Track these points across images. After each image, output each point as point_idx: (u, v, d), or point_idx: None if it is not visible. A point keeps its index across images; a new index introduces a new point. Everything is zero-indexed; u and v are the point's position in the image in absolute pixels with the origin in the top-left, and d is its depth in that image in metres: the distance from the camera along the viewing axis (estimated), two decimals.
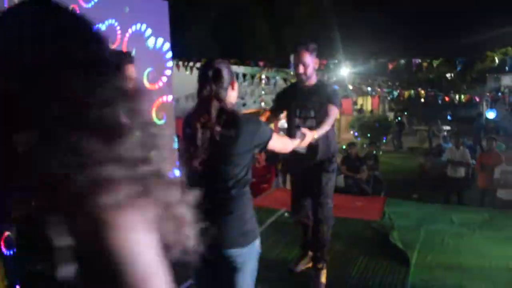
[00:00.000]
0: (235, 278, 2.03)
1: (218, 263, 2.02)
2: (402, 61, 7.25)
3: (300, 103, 3.24)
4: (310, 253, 3.59)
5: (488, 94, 14.82)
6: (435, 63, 7.33)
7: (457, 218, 5.00)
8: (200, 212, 1.32)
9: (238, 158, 2.04)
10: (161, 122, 4.26)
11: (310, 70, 3.12)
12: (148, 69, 4.00)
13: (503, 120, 18.78)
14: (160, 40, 3.97)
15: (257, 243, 2.10)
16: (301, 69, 3.11)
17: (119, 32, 3.93)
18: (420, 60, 7.15)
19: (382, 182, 9.19)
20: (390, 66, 7.30)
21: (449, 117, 19.36)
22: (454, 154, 8.21)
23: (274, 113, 3.51)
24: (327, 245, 3.35)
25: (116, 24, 3.96)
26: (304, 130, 2.72)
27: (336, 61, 8.01)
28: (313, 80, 3.21)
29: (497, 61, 7.46)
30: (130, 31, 4.01)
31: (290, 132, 3.31)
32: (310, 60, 3.10)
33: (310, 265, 3.55)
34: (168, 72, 3.92)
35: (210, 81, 2.03)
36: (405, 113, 20.28)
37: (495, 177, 6.92)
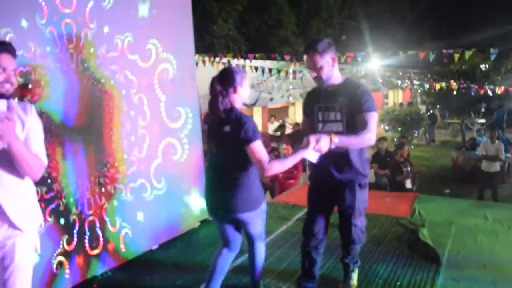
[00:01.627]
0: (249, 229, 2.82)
1: (235, 222, 2.80)
2: (433, 53, 7.02)
3: (322, 105, 2.89)
4: None
5: None
6: (468, 54, 7.07)
7: (491, 215, 4.81)
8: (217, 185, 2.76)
9: (235, 149, 2.57)
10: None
11: (325, 72, 2.79)
12: None
13: None
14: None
15: (262, 206, 2.76)
16: (314, 73, 2.85)
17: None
18: (452, 51, 6.92)
19: (415, 176, 8.97)
20: (421, 55, 7.08)
21: (483, 110, 18.73)
22: (489, 148, 7.95)
23: (306, 120, 3.14)
24: (355, 257, 3.17)
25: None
26: (311, 137, 2.55)
27: (364, 53, 7.82)
28: (337, 80, 2.88)
29: None
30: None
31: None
32: (323, 62, 2.76)
33: None
34: None
35: (217, 82, 2.63)
36: (437, 106, 19.75)
37: None
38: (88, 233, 3.58)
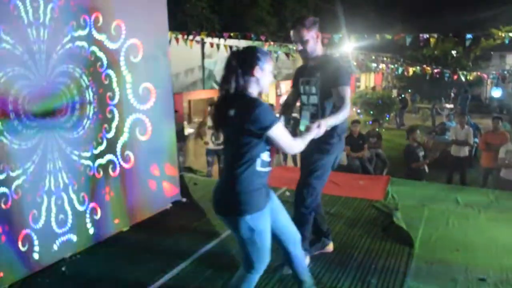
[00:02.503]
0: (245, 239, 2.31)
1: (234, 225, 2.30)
2: (409, 37, 7.01)
3: (304, 79, 3.19)
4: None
5: (494, 72, 14.56)
6: (444, 39, 7.09)
7: (462, 199, 4.88)
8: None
9: (239, 137, 2.21)
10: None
11: (310, 46, 3.03)
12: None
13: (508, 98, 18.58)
14: None
15: (266, 209, 2.31)
16: (299, 46, 3.05)
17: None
18: (428, 36, 6.92)
19: (385, 161, 9.07)
20: (396, 38, 7.06)
21: (453, 95, 19.12)
22: (459, 133, 8.07)
23: (293, 92, 3.43)
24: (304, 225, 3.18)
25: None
26: (314, 125, 2.57)
27: (341, 35, 7.75)
28: (318, 55, 3.10)
29: (507, 40, 7.21)
30: None
31: (300, 111, 3.27)
32: (308, 36, 2.99)
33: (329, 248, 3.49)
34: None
35: (233, 59, 2.25)
36: (409, 90, 20.02)
37: (500, 157, 6.78)
38: (55, 211, 3.44)
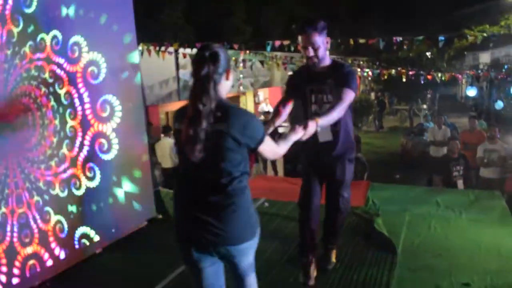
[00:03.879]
0: (236, 266, 2.07)
1: (227, 256, 2.02)
2: (383, 41, 7.01)
3: (315, 87, 2.96)
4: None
5: (468, 72, 14.79)
6: (418, 41, 7.11)
7: (442, 201, 4.84)
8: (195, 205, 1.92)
9: (231, 153, 1.90)
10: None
11: (321, 52, 2.82)
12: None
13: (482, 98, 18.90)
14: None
15: (256, 237, 2.06)
16: (311, 52, 2.80)
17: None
18: (401, 38, 6.93)
19: (366, 165, 9.02)
20: (370, 42, 7.06)
21: (429, 96, 19.38)
22: (437, 134, 8.10)
23: (286, 101, 3.07)
24: (340, 231, 3.36)
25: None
26: (298, 127, 2.44)
27: None
28: (327, 61, 2.92)
29: (479, 40, 7.29)
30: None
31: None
32: (320, 41, 2.78)
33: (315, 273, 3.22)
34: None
35: (208, 61, 1.87)
36: (386, 93, 20.21)
37: (478, 156, 6.79)
38: (20, 231, 3.29)
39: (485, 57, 23.60)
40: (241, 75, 12.78)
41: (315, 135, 2.57)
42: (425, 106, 18.70)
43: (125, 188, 4.16)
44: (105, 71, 3.82)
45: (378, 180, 6.56)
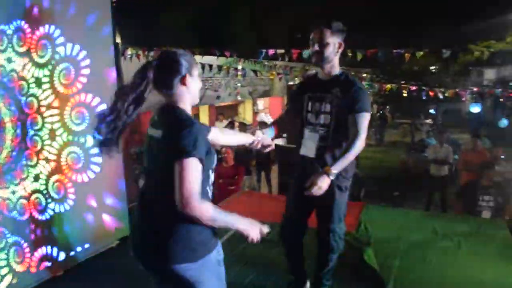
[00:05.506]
0: None
1: (169, 277, 1.82)
2: (382, 53, 6.69)
3: (315, 95, 2.69)
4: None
5: (473, 88, 14.48)
6: (418, 55, 6.80)
7: (440, 228, 4.45)
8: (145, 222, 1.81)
9: (168, 164, 1.69)
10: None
11: (328, 52, 2.54)
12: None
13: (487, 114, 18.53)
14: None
15: (212, 255, 1.84)
16: (316, 47, 2.56)
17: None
18: (403, 51, 6.61)
19: (363, 180, 8.66)
20: (369, 54, 6.73)
21: (433, 111, 19.04)
22: (438, 152, 7.75)
23: (286, 116, 2.93)
24: (331, 271, 2.98)
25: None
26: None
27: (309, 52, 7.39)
28: (336, 70, 2.65)
29: (485, 56, 6.97)
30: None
31: (297, 135, 2.77)
32: (330, 40, 2.53)
33: None
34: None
35: (151, 68, 1.78)
36: (387, 107, 19.90)
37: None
38: None
39: (490, 74, 23.30)
40: (238, 84, 12.48)
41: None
42: (428, 121, 18.35)
43: (93, 204, 3.81)
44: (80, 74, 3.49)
45: (376, 196, 6.24)
